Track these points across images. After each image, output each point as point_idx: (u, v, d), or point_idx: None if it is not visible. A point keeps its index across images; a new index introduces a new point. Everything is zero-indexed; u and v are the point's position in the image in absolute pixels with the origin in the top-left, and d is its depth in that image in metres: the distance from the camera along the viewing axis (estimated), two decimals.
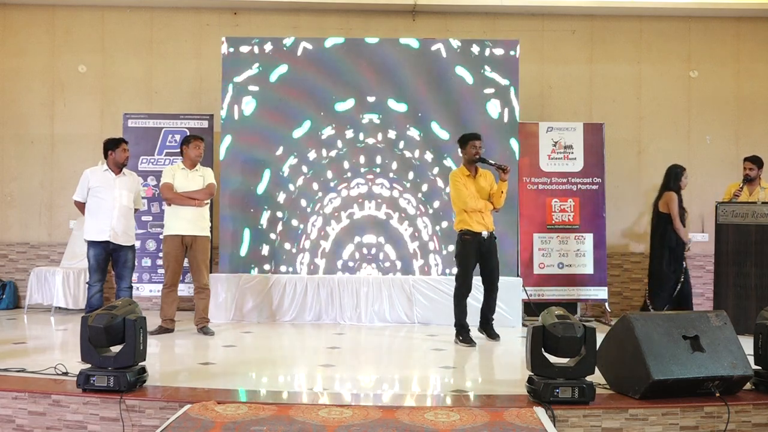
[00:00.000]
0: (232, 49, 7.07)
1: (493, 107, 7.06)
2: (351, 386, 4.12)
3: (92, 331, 3.54)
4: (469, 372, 4.83)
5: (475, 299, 5.99)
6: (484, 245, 5.68)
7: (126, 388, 3.49)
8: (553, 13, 7.90)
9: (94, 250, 5.69)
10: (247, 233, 6.96)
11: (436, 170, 7.02)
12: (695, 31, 7.98)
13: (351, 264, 6.96)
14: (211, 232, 6.10)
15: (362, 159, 7.04)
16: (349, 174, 7.04)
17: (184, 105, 7.73)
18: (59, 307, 7.13)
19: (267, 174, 7.01)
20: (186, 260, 5.93)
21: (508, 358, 5.21)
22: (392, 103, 7.05)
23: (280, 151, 7.02)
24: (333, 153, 7.04)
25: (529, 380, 3.53)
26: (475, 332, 5.74)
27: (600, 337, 3.65)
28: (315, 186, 7.03)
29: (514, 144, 7.04)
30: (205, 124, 7.32)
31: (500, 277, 5.82)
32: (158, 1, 7.83)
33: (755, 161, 6.59)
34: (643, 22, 7.97)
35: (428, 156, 7.04)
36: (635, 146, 7.94)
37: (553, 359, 3.50)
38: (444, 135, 7.03)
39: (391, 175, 7.03)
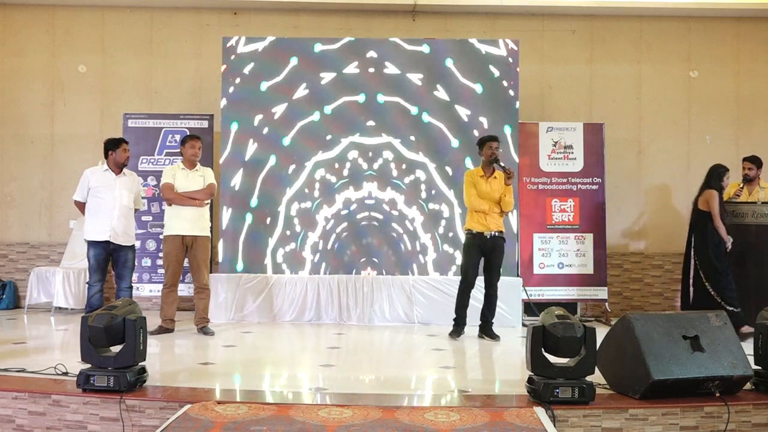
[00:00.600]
0: (232, 49, 7.07)
1: (493, 107, 7.05)
2: (351, 386, 4.12)
3: (92, 331, 3.54)
4: (469, 372, 4.83)
5: (476, 299, 6.01)
6: (487, 245, 5.78)
7: (126, 388, 3.49)
8: (553, 13, 7.90)
9: (94, 250, 5.68)
10: (246, 233, 6.96)
11: (435, 171, 7.01)
12: (695, 31, 7.99)
13: (351, 264, 6.96)
14: (211, 232, 6.10)
15: (362, 159, 7.04)
16: (349, 174, 7.03)
17: (184, 105, 7.74)
18: (59, 307, 7.13)
19: (267, 174, 7.01)
20: (186, 260, 5.93)
21: (508, 358, 5.21)
22: (392, 103, 7.05)
23: (280, 151, 7.02)
24: (333, 153, 7.04)
25: (529, 380, 3.53)
26: (474, 336, 5.84)
27: (600, 337, 3.65)
28: (315, 186, 7.02)
29: (514, 144, 7.04)
30: (205, 124, 7.32)
31: (501, 277, 5.88)
32: (158, 1, 7.83)
33: (754, 161, 6.59)
34: (643, 22, 7.97)
35: (428, 156, 7.03)
36: (635, 146, 7.94)
37: (553, 359, 3.50)
38: (444, 135, 7.03)
39: (391, 175, 7.02)
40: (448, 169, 6.97)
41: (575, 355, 3.48)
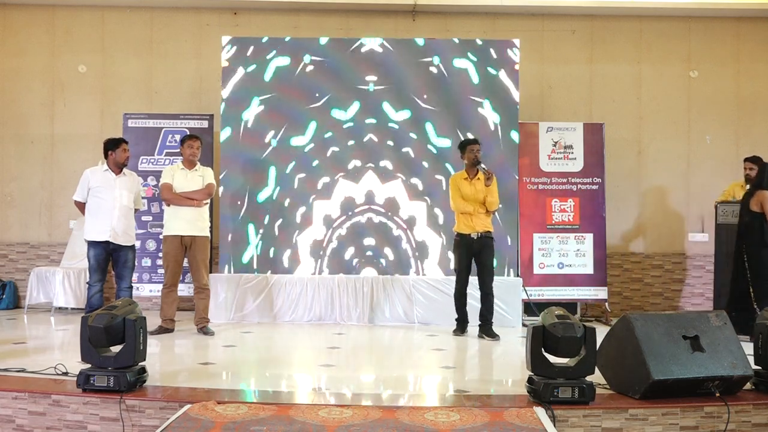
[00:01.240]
0: (232, 49, 7.07)
1: (493, 107, 7.05)
2: (351, 386, 4.12)
3: (92, 331, 3.54)
4: (469, 372, 4.83)
5: (474, 298, 6.03)
6: (474, 246, 5.91)
7: (126, 388, 3.49)
8: (553, 13, 7.90)
9: (94, 250, 5.68)
10: (246, 233, 6.96)
11: (435, 171, 7.01)
12: (695, 31, 7.99)
13: (351, 264, 6.96)
14: (210, 232, 6.10)
15: (362, 159, 7.04)
16: (349, 174, 7.03)
17: (184, 105, 7.74)
18: (59, 307, 7.14)
19: (267, 174, 7.01)
20: (186, 260, 5.93)
21: (508, 358, 5.21)
22: (392, 103, 7.05)
23: (279, 151, 7.02)
24: (333, 153, 7.04)
25: (529, 380, 3.53)
26: (474, 336, 5.87)
27: (600, 337, 3.65)
28: (315, 186, 7.02)
29: (514, 142, 7.04)
30: (205, 124, 7.32)
31: (501, 277, 5.99)
32: (158, 1, 7.83)
33: (755, 161, 6.57)
34: (643, 22, 7.97)
35: (428, 156, 7.03)
36: (635, 146, 7.94)
37: (553, 359, 3.50)
38: (443, 135, 7.03)
39: (391, 175, 7.02)
40: (449, 167, 6.95)
41: (575, 355, 3.48)
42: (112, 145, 5.76)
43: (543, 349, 3.49)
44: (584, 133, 7.28)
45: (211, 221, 6.15)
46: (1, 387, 3.65)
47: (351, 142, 7.05)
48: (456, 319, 6.06)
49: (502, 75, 7.07)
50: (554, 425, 3.25)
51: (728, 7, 7.72)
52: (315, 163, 7.03)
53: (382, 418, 3.22)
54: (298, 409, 3.32)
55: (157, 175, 6.71)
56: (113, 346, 3.61)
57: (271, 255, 6.96)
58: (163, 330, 5.81)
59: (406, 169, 7.03)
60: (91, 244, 5.69)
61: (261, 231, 6.97)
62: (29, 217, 7.90)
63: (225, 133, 7.04)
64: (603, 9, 7.82)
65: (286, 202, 7.01)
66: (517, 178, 7.04)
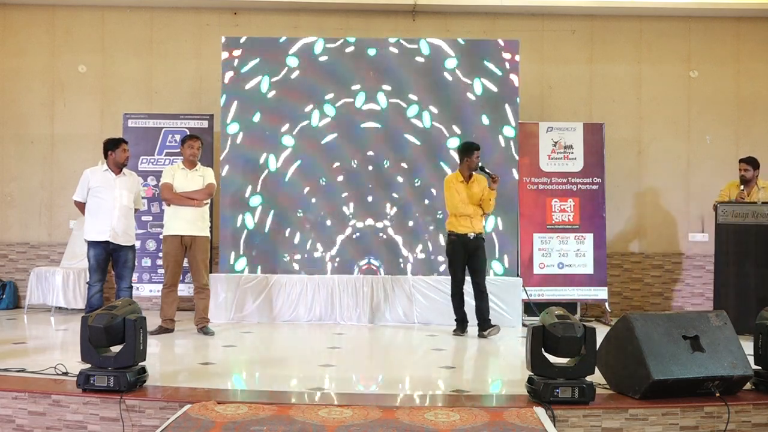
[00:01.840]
0: (232, 49, 7.07)
1: (493, 107, 7.05)
2: (351, 386, 4.12)
3: (92, 331, 3.54)
4: (469, 372, 4.83)
5: (468, 295, 6.05)
6: (470, 245, 6.00)
7: (126, 388, 3.49)
8: (553, 13, 7.90)
9: (94, 250, 5.68)
10: (246, 233, 6.96)
11: (435, 171, 7.01)
12: (695, 31, 7.98)
13: (351, 264, 6.95)
14: (211, 232, 6.10)
15: (362, 159, 7.03)
16: (349, 173, 7.03)
17: (184, 105, 7.73)
18: (59, 307, 7.14)
19: (267, 174, 7.01)
20: (186, 260, 5.93)
21: (508, 358, 5.21)
22: (392, 104, 7.05)
23: (279, 151, 7.02)
24: (333, 153, 7.04)
25: (529, 380, 3.53)
26: (474, 336, 5.89)
27: (600, 337, 3.65)
28: (315, 185, 7.02)
29: (513, 145, 7.05)
30: (205, 124, 7.32)
31: (501, 278, 5.97)
32: (158, 1, 7.83)
33: (750, 162, 6.58)
34: (643, 22, 7.97)
35: (427, 156, 7.03)
36: (635, 146, 7.94)
37: (553, 359, 3.50)
38: (443, 135, 7.03)
39: (391, 175, 7.02)
40: (447, 169, 6.95)
41: (575, 355, 3.48)
42: (111, 145, 5.76)
43: (543, 349, 3.49)
44: (584, 133, 7.28)
45: (211, 221, 6.15)
46: (1, 387, 3.65)
47: (351, 143, 7.04)
48: (455, 320, 6.08)
49: (502, 75, 7.07)
50: (554, 425, 3.25)
51: (728, 7, 7.72)
52: (315, 163, 7.03)
53: (382, 418, 3.22)
54: (298, 409, 3.32)
55: (157, 175, 6.71)
56: (113, 346, 3.61)
57: (271, 255, 6.96)
58: (163, 330, 5.81)
59: (407, 170, 7.03)
60: (91, 244, 5.69)
61: (261, 231, 6.96)
62: (29, 217, 7.90)
63: (225, 133, 7.04)
64: (603, 9, 7.82)
65: (286, 203, 7.01)
66: (516, 178, 7.04)
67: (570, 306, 6.98)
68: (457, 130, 7.02)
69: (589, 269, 7.11)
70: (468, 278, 6.06)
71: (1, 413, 3.56)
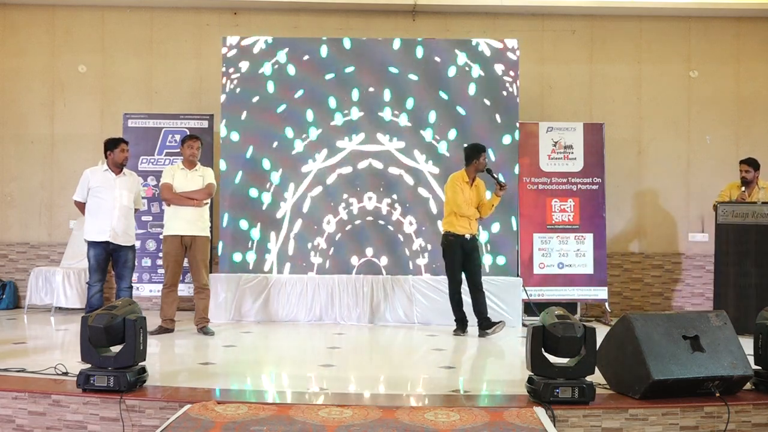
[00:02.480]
0: (231, 49, 7.07)
1: (493, 107, 7.05)
2: (351, 386, 4.12)
3: (92, 331, 3.54)
4: (469, 372, 4.83)
5: (465, 293, 6.05)
6: (467, 245, 6.04)
7: (126, 388, 3.49)
8: (553, 13, 7.90)
9: (94, 250, 5.68)
10: (246, 233, 6.96)
11: (434, 171, 7.01)
12: (695, 31, 7.98)
13: (351, 264, 6.95)
14: (210, 232, 6.10)
15: (362, 159, 7.03)
16: (349, 173, 7.03)
17: (184, 105, 7.73)
18: (59, 307, 7.13)
19: (266, 174, 7.01)
20: (186, 260, 5.93)
21: (508, 358, 5.21)
22: (392, 104, 7.05)
23: (279, 151, 7.01)
24: (333, 153, 7.04)
25: (529, 380, 3.53)
26: (474, 336, 5.90)
27: (600, 337, 3.65)
28: (315, 186, 7.02)
29: (513, 144, 7.05)
30: (205, 124, 7.32)
31: (501, 277, 5.98)
32: (158, 1, 7.83)
33: (751, 163, 6.58)
34: (643, 22, 7.97)
35: (427, 156, 7.03)
36: (635, 146, 7.94)
37: (553, 359, 3.50)
38: (443, 136, 7.03)
39: (391, 176, 7.01)
40: (447, 169, 6.94)
41: (575, 355, 3.48)
42: (111, 145, 5.76)
43: (543, 349, 3.49)
44: (584, 133, 7.28)
45: (211, 221, 6.15)
46: (1, 387, 3.64)
47: (350, 143, 7.04)
48: (455, 320, 6.09)
49: (502, 75, 7.07)
50: (554, 425, 3.25)
51: (728, 7, 7.72)
52: (315, 162, 7.03)
53: (382, 418, 3.22)
54: (298, 409, 3.32)
55: (157, 175, 6.71)
56: (113, 346, 3.61)
57: (271, 255, 6.96)
58: (163, 330, 5.81)
59: (407, 170, 7.02)
60: (91, 244, 5.69)
61: (261, 231, 6.96)
62: (29, 217, 7.90)
63: (225, 133, 7.03)
64: (603, 9, 7.82)
65: (286, 203, 7.01)
66: (517, 178, 7.04)
67: (570, 306, 6.98)
68: (456, 130, 7.01)
69: (589, 269, 7.11)
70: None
71: (1, 413, 3.56)
